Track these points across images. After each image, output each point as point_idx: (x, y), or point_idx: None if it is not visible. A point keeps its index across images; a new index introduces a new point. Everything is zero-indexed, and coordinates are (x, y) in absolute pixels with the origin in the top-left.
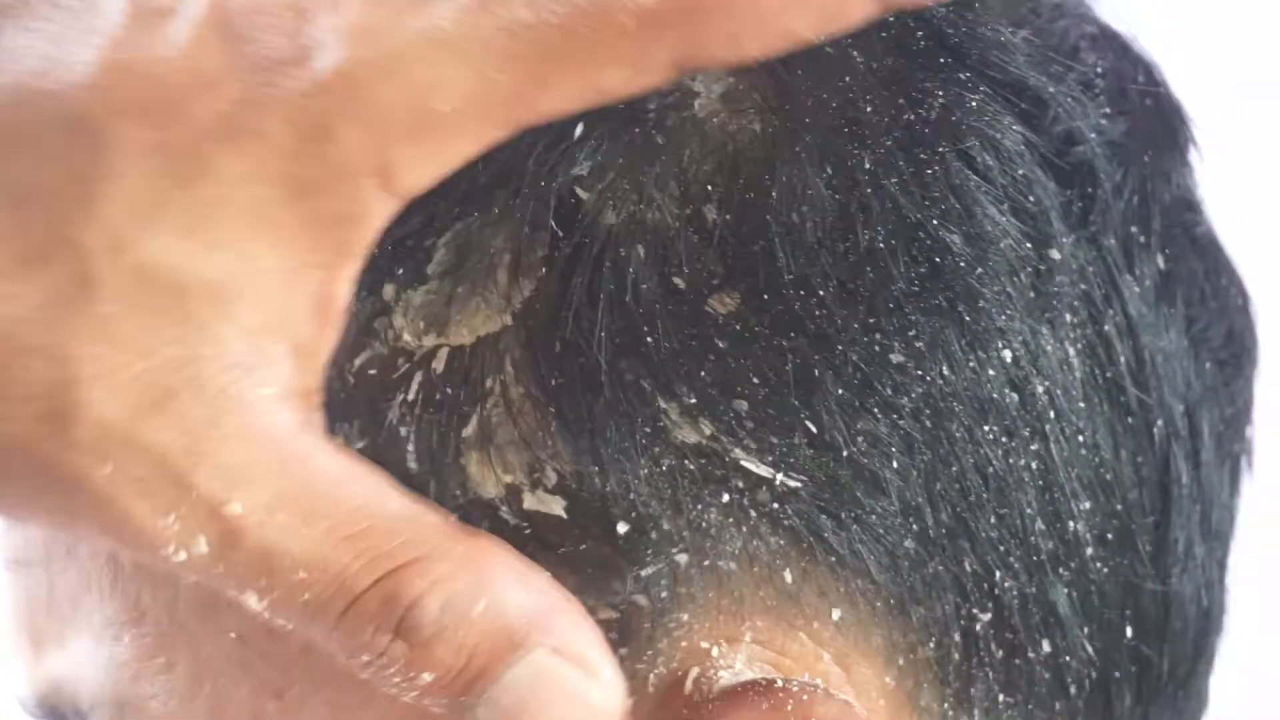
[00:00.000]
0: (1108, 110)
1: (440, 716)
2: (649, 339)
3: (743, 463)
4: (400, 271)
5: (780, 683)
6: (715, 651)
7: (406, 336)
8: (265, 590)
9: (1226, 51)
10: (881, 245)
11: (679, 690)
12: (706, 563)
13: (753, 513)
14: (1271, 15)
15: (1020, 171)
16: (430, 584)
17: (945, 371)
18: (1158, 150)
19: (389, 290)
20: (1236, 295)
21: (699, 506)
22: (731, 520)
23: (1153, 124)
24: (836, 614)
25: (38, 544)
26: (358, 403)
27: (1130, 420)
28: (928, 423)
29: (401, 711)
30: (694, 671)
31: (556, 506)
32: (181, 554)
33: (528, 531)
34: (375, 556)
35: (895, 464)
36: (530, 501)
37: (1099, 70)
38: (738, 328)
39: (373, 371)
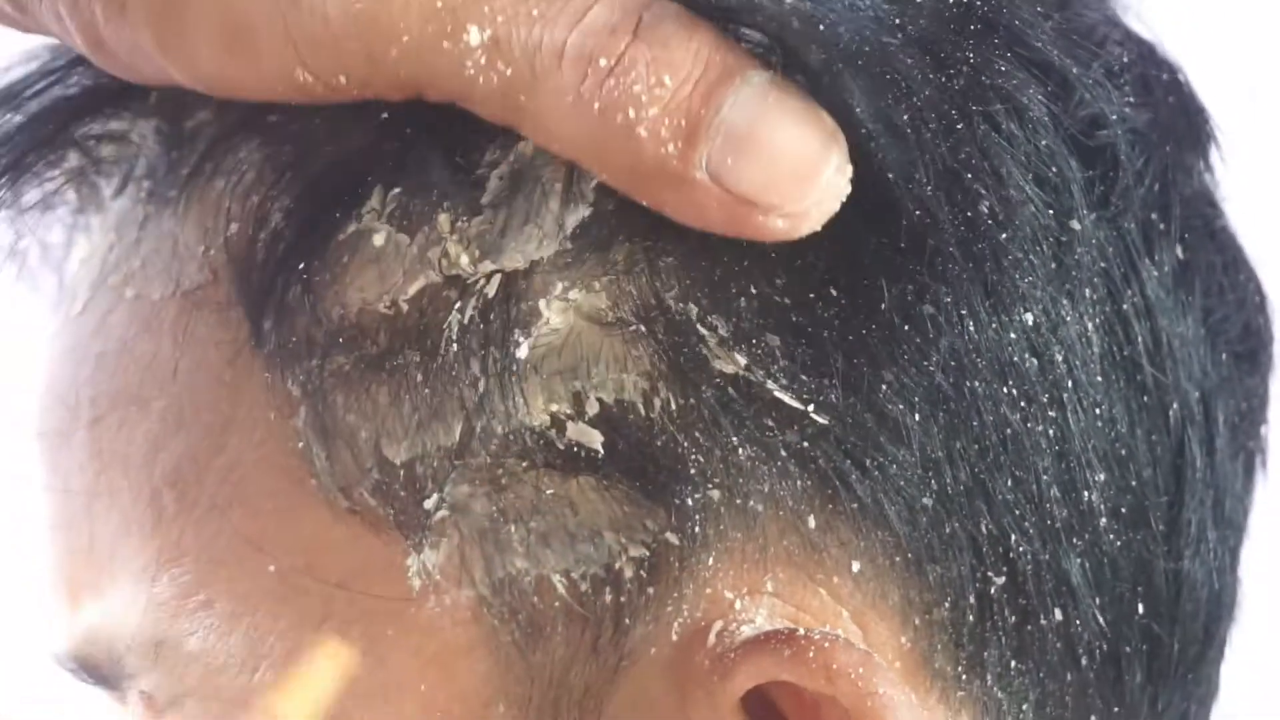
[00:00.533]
0: (1132, 100)
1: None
2: (695, 268)
3: (776, 394)
4: (454, 203)
5: (802, 631)
6: (739, 604)
7: (464, 263)
8: (489, 17)
9: (1240, 56)
10: (924, 193)
11: (702, 641)
12: (738, 501)
13: (782, 451)
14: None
15: (1044, 142)
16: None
17: (971, 328)
18: (1179, 144)
19: (443, 221)
20: (1254, 292)
21: (733, 440)
22: (763, 457)
23: (1175, 119)
24: (856, 566)
25: (80, 495)
26: (414, 330)
27: (1146, 399)
28: (952, 377)
29: (438, 642)
30: (717, 625)
31: (595, 440)
32: None
33: (569, 463)
34: None
35: (918, 415)
36: (572, 431)
37: (1125, 61)
38: (780, 266)
39: (427, 300)
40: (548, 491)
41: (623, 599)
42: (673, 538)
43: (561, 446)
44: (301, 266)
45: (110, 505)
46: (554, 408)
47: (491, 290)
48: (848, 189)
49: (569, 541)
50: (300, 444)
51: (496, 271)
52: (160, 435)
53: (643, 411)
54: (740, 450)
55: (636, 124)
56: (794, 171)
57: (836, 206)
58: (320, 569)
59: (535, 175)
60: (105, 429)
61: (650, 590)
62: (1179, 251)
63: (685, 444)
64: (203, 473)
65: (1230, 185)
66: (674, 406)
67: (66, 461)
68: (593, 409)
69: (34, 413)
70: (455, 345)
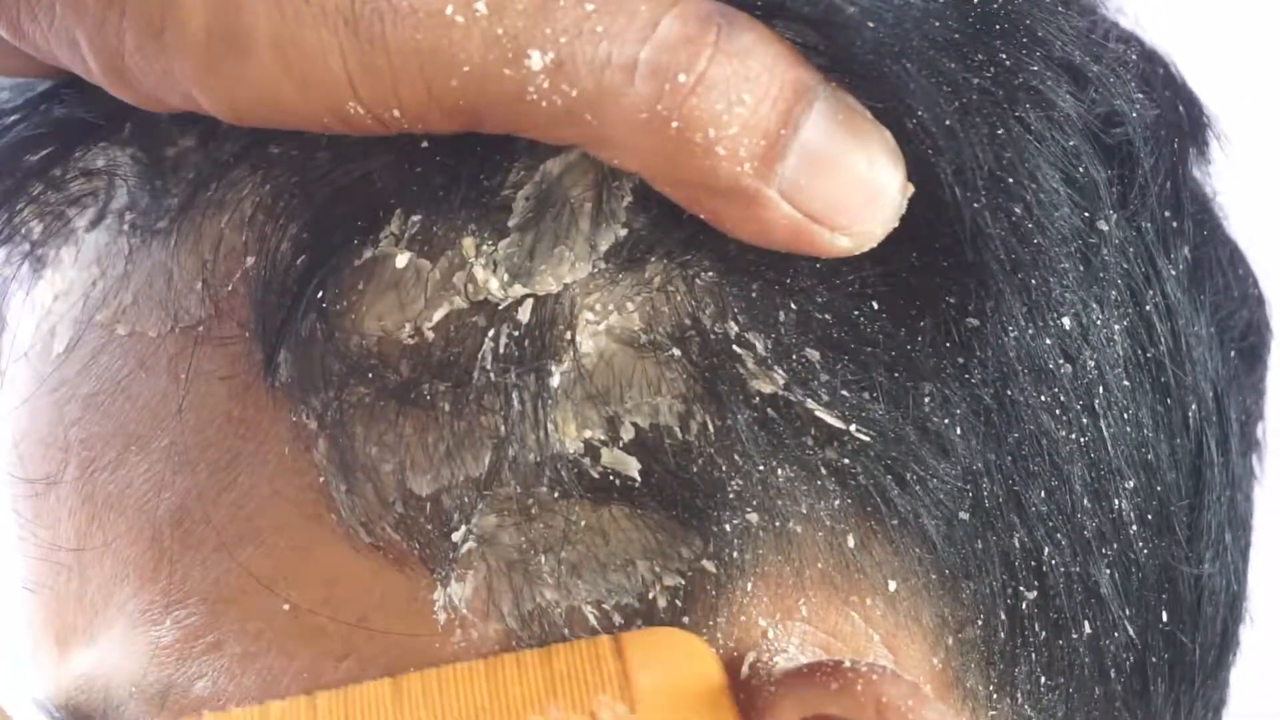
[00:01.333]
0: (1140, 96)
1: None
2: (733, 284)
3: (816, 414)
4: (479, 225)
5: (848, 663)
6: (771, 632)
7: (493, 287)
8: (551, 39)
9: (1217, 52)
10: (979, 201)
11: (734, 674)
12: (776, 524)
13: (822, 469)
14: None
15: (1072, 142)
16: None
17: (1012, 335)
18: (1182, 139)
19: (468, 244)
20: (1253, 286)
21: (772, 462)
22: (802, 476)
23: (1176, 114)
24: (892, 586)
25: (71, 540)
26: (440, 358)
27: (1169, 401)
28: (993, 387)
29: (456, 672)
30: (750, 656)
31: (632, 467)
32: (460, 18)
33: (604, 492)
34: None
35: (959, 427)
36: (608, 459)
37: (1131, 58)
38: (821, 277)
39: (454, 326)
40: (580, 521)
41: None
42: (709, 565)
43: (595, 475)
44: (319, 295)
45: (104, 548)
46: (588, 434)
47: (525, 315)
48: (905, 205)
49: (600, 571)
50: (320, 479)
51: (528, 296)
52: (162, 474)
53: (679, 435)
54: (779, 471)
55: (715, 143)
56: (864, 192)
57: (897, 222)
58: (339, 605)
59: (563, 195)
60: (98, 471)
61: (685, 620)
62: (1187, 250)
63: (723, 467)
64: (210, 510)
65: (1217, 181)
66: (711, 429)
67: (53, 506)
68: (628, 434)
69: (8, 458)
70: (487, 374)
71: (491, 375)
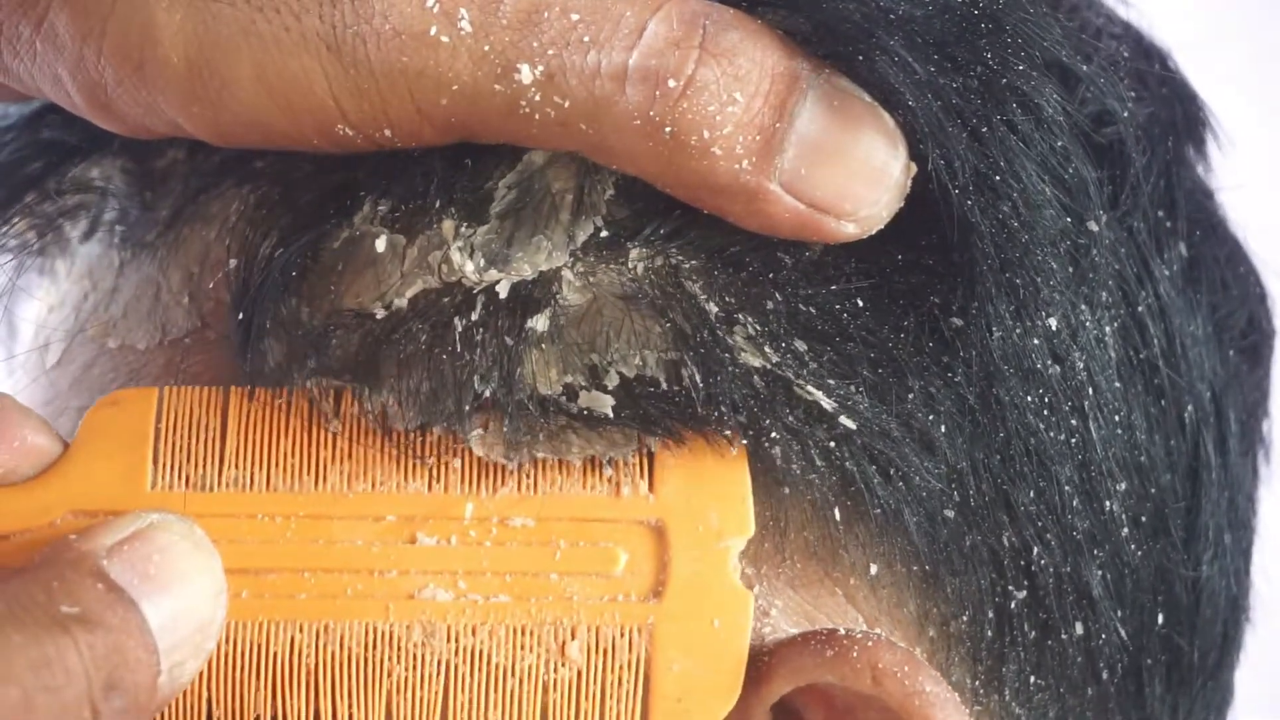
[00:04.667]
0: (1133, 94)
1: None
2: (718, 272)
3: (807, 393)
4: (460, 209)
5: (843, 630)
6: (758, 587)
7: (468, 270)
8: (540, 52)
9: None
10: (966, 200)
11: None
12: (766, 471)
13: (810, 444)
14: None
15: (1059, 143)
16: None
17: (997, 335)
18: (1178, 136)
19: (447, 227)
20: (1255, 284)
21: (763, 422)
22: (792, 440)
23: (1172, 111)
24: (873, 569)
25: None
26: (415, 324)
27: (1163, 403)
28: (978, 387)
29: None
30: None
31: (606, 405)
32: (445, 38)
33: (585, 420)
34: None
35: (944, 426)
36: (584, 399)
37: (1124, 55)
38: (804, 273)
39: (424, 304)
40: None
41: None
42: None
43: (574, 410)
44: (296, 276)
45: None
46: (569, 379)
47: (504, 291)
48: (909, 185)
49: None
50: None
51: (503, 279)
52: None
53: (664, 386)
54: (771, 431)
55: (711, 144)
56: (867, 176)
57: (902, 202)
58: None
59: (546, 186)
60: None
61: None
62: (1183, 248)
63: (711, 414)
64: None
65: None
66: (700, 382)
67: None
68: (612, 382)
69: None
70: (468, 320)
71: (472, 321)
